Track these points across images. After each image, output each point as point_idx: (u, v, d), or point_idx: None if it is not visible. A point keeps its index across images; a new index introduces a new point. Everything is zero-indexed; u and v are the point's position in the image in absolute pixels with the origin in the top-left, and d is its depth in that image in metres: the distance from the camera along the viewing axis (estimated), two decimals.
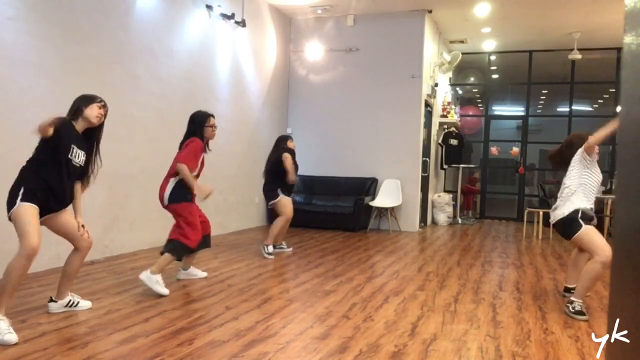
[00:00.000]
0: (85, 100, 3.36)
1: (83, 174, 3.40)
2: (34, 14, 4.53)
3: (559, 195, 4.15)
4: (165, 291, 3.99)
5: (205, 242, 4.48)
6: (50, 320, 3.25)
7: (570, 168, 4.09)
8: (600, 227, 7.90)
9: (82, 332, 3.08)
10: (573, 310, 3.83)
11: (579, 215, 3.95)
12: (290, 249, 6.21)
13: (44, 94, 4.60)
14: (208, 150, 4.46)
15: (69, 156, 3.22)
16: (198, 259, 5.36)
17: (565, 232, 4.11)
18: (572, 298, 3.93)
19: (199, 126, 4.33)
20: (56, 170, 3.18)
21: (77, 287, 4.08)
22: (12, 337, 2.87)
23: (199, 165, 4.33)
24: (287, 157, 5.72)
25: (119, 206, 5.50)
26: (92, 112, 3.33)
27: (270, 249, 5.76)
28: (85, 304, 3.57)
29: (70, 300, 3.50)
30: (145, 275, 3.98)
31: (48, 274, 4.47)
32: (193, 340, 3.02)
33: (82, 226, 3.40)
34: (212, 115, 4.44)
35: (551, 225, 4.42)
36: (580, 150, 4.04)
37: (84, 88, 5.02)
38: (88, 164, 3.41)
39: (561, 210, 4.05)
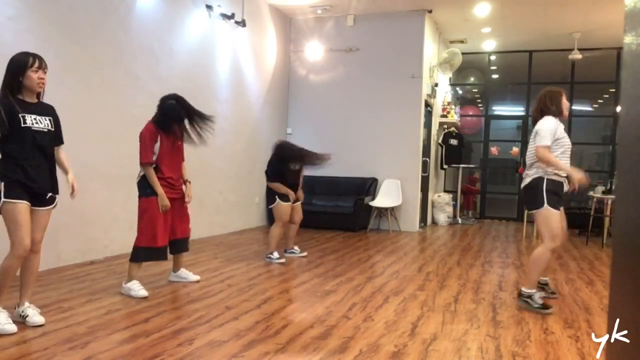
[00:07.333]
0: (18, 70, 2.98)
1: (57, 138, 3.19)
2: (33, 14, 4.53)
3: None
4: (143, 293, 3.89)
5: (176, 246, 4.24)
6: (50, 320, 3.25)
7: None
8: (600, 227, 8.02)
9: (82, 332, 3.08)
10: (537, 305, 3.79)
11: (544, 185, 3.71)
12: (305, 253, 5.92)
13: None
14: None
15: (23, 125, 2.97)
16: (197, 260, 5.37)
17: (526, 202, 3.96)
18: (525, 290, 3.86)
19: (170, 118, 4.15)
20: (21, 148, 2.97)
21: (77, 287, 4.09)
22: (11, 327, 2.98)
23: (167, 151, 4.11)
24: (276, 186, 5.62)
25: (119, 206, 5.49)
26: (31, 82, 3.00)
27: (276, 255, 5.49)
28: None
29: None
30: (122, 289, 3.98)
31: (48, 274, 4.47)
32: (193, 340, 3.02)
33: (72, 186, 3.18)
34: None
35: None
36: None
37: (84, 88, 5.06)
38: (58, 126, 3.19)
39: (527, 176, 3.85)
